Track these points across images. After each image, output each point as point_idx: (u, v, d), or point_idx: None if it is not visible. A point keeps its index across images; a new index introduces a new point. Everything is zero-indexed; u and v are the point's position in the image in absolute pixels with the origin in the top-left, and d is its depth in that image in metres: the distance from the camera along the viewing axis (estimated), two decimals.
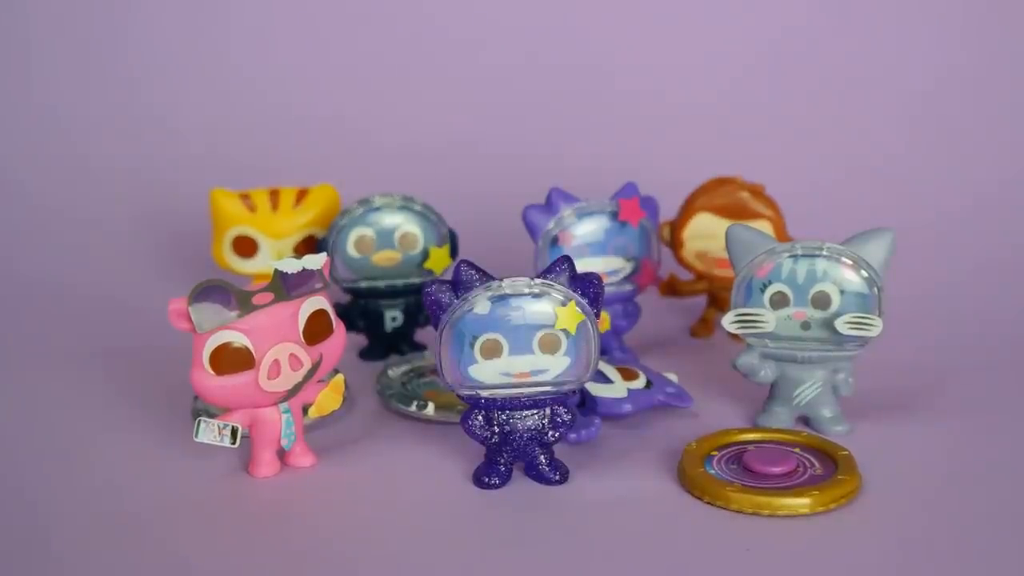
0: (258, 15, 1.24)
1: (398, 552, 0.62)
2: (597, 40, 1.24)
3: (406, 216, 0.88)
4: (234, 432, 0.67)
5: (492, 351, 0.66)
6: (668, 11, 1.24)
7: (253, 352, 0.66)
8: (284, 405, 0.69)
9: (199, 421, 0.67)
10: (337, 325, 0.70)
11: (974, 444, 0.73)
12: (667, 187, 0.92)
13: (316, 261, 0.68)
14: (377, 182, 0.97)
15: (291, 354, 0.67)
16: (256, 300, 0.66)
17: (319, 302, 0.69)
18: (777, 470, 0.67)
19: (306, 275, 0.68)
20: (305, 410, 0.70)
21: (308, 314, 0.68)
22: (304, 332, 0.67)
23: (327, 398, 0.70)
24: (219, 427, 0.66)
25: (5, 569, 0.61)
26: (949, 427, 0.75)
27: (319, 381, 0.70)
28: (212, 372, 0.65)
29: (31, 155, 1.19)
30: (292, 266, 0.67)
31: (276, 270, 0.67)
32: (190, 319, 0.64)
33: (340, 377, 0.71)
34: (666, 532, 0.63)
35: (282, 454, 0.71)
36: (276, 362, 0.66)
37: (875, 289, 0.72)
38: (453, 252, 0.89)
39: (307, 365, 0.68)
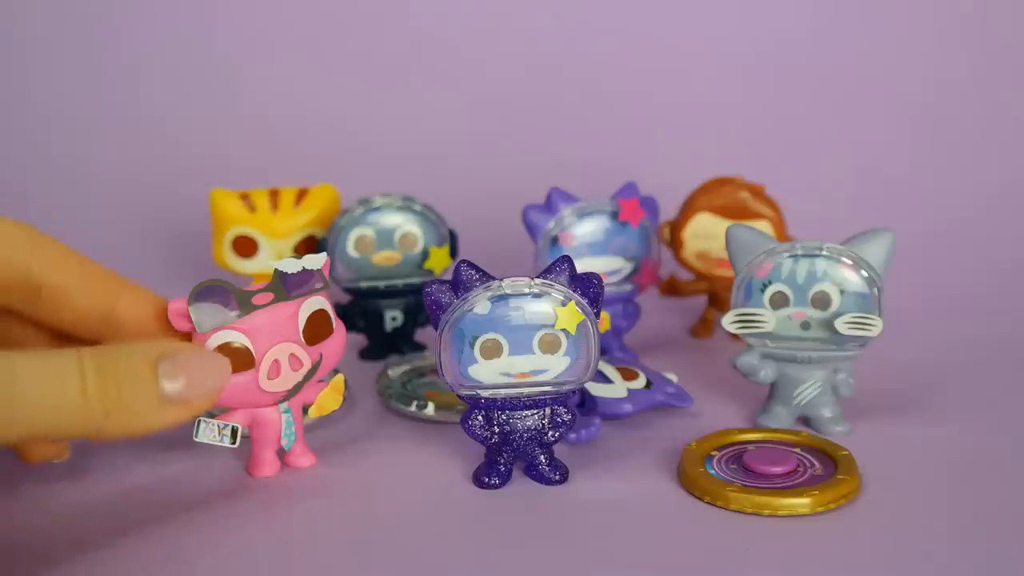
0: (258, 16, 1.24)
1: (398, 552, 0.62)
2: (597, 40, 1.24)
3: (406, 216, 0.88)
4: (234, 432, 0.67)
5: (492, 351, 0.66)
6: (669, 11, 1.24)
7: (253, 352, 0.66)
8: (284, 405, 0.69)
9: (199, 421, 0.66)
10: (337, 325, 0.70)
11: (974, 444, 0.73)
12: (667, 187, 0.92)
13: (316, 261, 0.68)
14: (377, 182, 0.97)
15: (291, 354, 0.67)
16: (256, 300, 0.66)
17: (319, 302, 0.68)
18: (777, 470, 0.67)
19: (306, 275, 0.68)
20: (305, 410, 0.70)
21: (308, 314, 0.68)
22: (304, 332, 0.67)
23: (327, 398, 0.70)
24: (219, 427, 0.66)
25: (6, 570, 0.61)
26: (949, 427, 0.75)
27: (319, 381, 0.70)
28: None
29: (30, 157, 1.19)
30: (292, 266, 0.67)
31: (276, 270, 0.67)
32: (190, 319, 0.64)
33: (340, 377, 0.71)
34: (666, 532, 0.63)
35: (282, 454, 0.71)
36: (276, 362, 0.66)
37: (875, 289, 0.72)
38: (453, 252, 0.89)
39: (307, 365, 0.68)
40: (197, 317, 0.64)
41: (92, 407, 0.57)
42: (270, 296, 0.66)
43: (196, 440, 0.66)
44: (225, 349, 0.65)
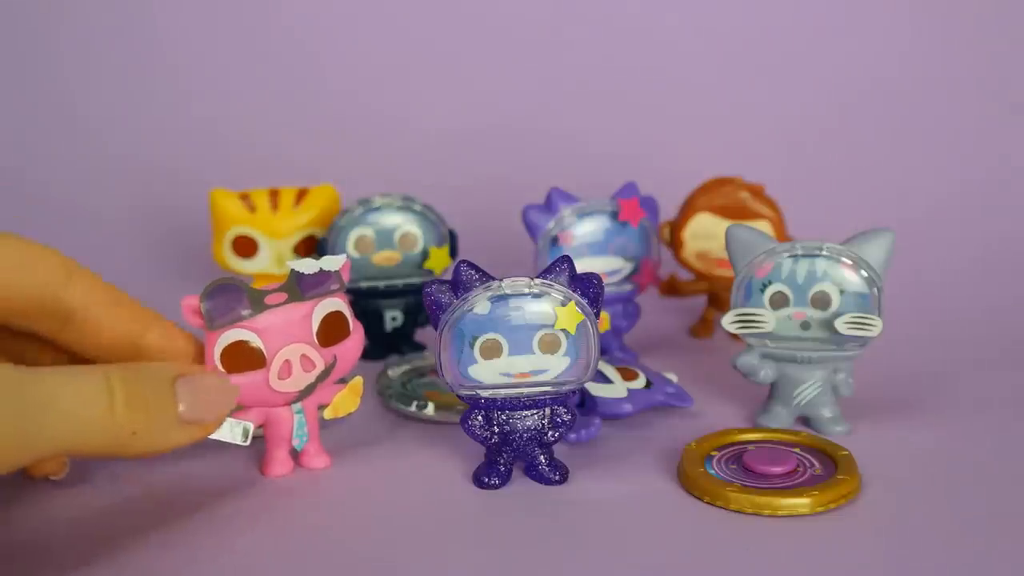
0: (258, 16, 1.24)
1: (397, 552, 0.62)
2: (598, 40, 1.24)
3: (406, 216, 0.88)
4: (245, 430, 0.66)
5: (492, 351, 0.66)
6: (669, 11, 1.24)
7: (264, 351, 0.65)
8: (297, 405, 0.68)
9: None
10: (355, 327, 0.69)
11: (974, 444, 0.73)
12: (667, 187, 0.92)
13: (335, 263, 0.67)
14: (377, 182, 0.97)
15: (303, 355, 0.66)
16: (269, 300, 0.66)
17: (336, 304, 0.68)
18: (777, 470, 0.67)
19: (323, 276, 0.67)
20: (321, 410, 0.70)
21: (323, 315, 0.67)
22: (318, 334, 0.67)
23: (344, 400, 0.69)
24: (231, 424, 0.66)
25: (8, 568, 0.61)
26: (949, 427, 0.75)
27: (336, 382, 0.70)
28: (223, 369, 0.65)
29: (30, 157, 1.19)
30: (309, 267, 0.66)
31: (292, 270, 0.66)
32: (202, 315, 0.64)
33: (359, 379, 0.70)
34: (666, 532, 0.63)
35: (296, 454, 0.70)
36: (287, 362, 0.66)
37: (875, 289, 0.72)
38: (453, 252, 0.89)
39: (320, 367, 0.67)
40: (208, 314, 0.64)
41: (120, 426, 0.57)
42: (283, 296, 0.66)
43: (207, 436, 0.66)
44: (235, 348, 0.65)
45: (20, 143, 1.19)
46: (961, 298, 0.99)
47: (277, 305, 0.66)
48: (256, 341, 0.65)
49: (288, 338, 0.66)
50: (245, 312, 0.65)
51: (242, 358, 0.65)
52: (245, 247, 0.90)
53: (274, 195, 0.90)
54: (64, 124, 1.20)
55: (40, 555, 0.62)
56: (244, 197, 0.90)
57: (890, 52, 1.21)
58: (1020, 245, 1.07)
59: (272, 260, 0.90)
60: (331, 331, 0.67)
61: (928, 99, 1.19)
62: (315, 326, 0.67)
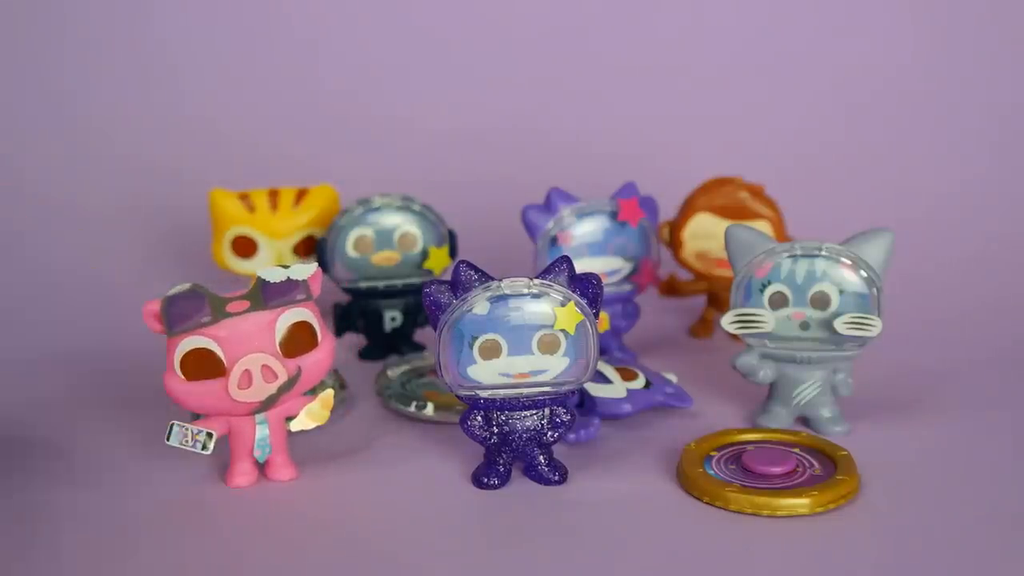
0: (257, 16, 1.24)
1: (397, 553, 0.62)
2: (597, 40, 1.24)
3: (405, 216, 0.88)
4: (208, 438, 0.65)
5: (491, 351, 0.66)
6: (670, 12, 1.24)
7: (223, 360, 0.65)
8: (261, 416, 0.67)
9: (172, 424, 0.65)
10: (323, 338, 0.67)
11: (974, 444, 0.73)
12: (667, 187, 0.92)
13: (304, 271, 0.66)
14: (377, 182, 0.97)
15: (264, 365, 0.65)
16: (230, 308, 0.65)
17: (302, 313, 0.66)
18: (777, 470, 0.67)
19: (289, 285, 0.66)
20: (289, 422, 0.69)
21: (288, 325, 0.66)
22: (282, 344, 0.66)
23: (312, 412, 0.68)
24: (192, 432, 0.65)
25: None
26: (949, 427, 0.75)
27: (305, 394, 0.68)
28: (182, 377, 0.64)
29: (30, 157, 1.19)
30: (276, 275, 0.65)
31: (258, 278, 0.65)
32: (161, 321, 0.64)
33: (330, 392, 0.69)
34: (666, 532, 0.63)
35: (261, 465, 0.69)
36: (247, 372, 0.65)
37: (874, 289, 0.72)
38: (452, 252, 0.89)
39: (283, 378, 0.66)
40: (167, 320, 0.64)
41: None
42: (245, 304, 0.65)
43: (168, 444, 0.65)
44: (195, 355, 0.64)
45: (20, 143, 1.19)
46: (961, 298, 0.98)
47: (238, 313, 0.65)
48: (216, 349, 0.64)
49: (249, 347, 0.65)
50: (205, 319, 0.64)
51: (201, 366, 0.64)
52: (245, 247, 0.90)
53: (273, 195, 0.90)
54: (64, 124, 1.20)
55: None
56: (243, 197, 0.90)
57: (890, 52, 1.21)
58: (1020, 245, 1.07)
59: (272, 260, 0.90)
60: (296, 341, 0.66)
61: (928, 99, 1.19)
62: (279, 336, 0.66)
